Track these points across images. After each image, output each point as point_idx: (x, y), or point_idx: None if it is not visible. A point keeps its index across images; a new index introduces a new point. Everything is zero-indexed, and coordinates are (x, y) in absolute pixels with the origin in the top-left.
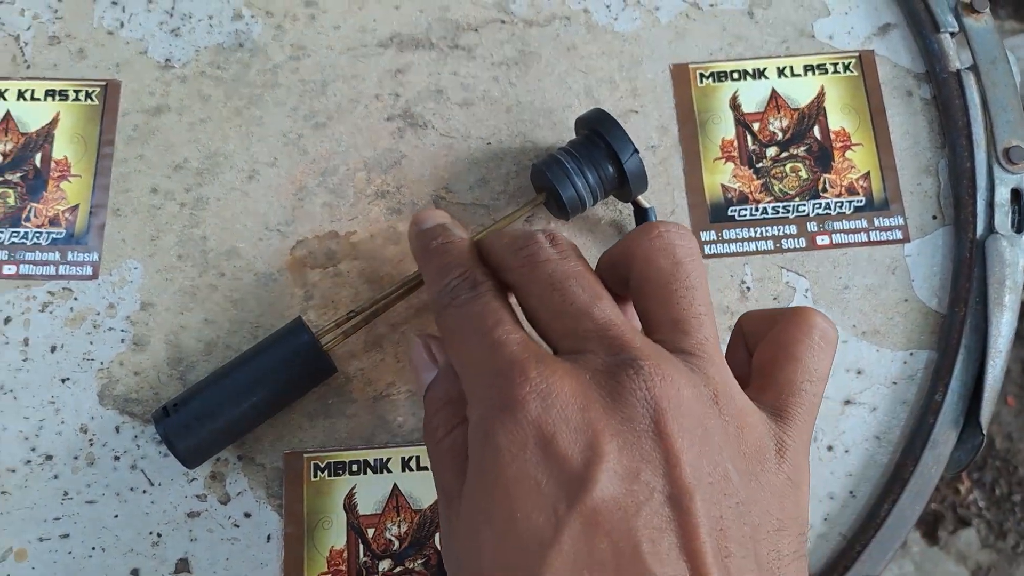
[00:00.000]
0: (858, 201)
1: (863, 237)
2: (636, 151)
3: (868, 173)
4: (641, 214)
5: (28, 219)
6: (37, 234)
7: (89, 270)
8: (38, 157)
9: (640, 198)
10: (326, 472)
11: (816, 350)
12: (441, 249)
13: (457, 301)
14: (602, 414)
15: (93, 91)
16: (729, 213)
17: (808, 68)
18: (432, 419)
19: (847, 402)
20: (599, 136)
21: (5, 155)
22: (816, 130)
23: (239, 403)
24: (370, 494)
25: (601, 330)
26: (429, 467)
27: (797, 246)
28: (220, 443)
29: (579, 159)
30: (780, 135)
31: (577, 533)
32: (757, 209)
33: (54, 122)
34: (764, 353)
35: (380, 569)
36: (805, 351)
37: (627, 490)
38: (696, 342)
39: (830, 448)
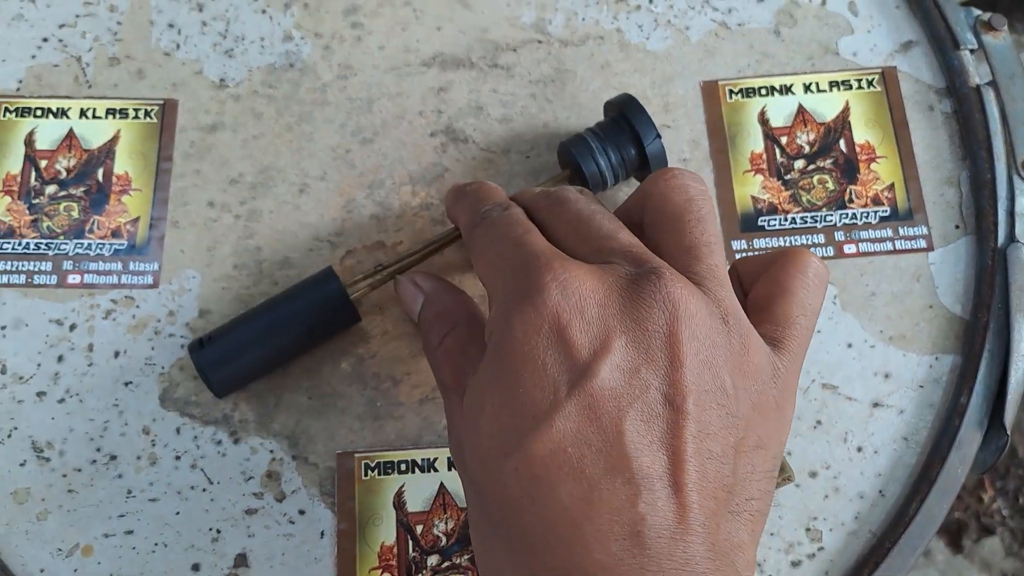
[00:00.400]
0: (883, 211)
1: (888, 246)
2: (658, 135)
3: (892, 184)
4: None
5: (92, 231)
6: (100, 245)
7: (150, 279)
8: (100, 172)
9: None
10: (376, 471)
11: (810, 286)
12: (474, 189)
13: (488, 220)
14: (617, 312)
15: (152, 109)
16: (759, 223)
17: (833, 84)
18: (428, 333)
19: (876, 405)
20: (624, 119)
21: (69, 170)
22: (842, 143)
23: (268, 342)
24: (418, 492)
25: (625, 248)
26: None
27: (825, 255)
28: (248, 377)
29: (603, 139)
30: (807, 148)
31: (570, 414)
32: (786, 219)
33: (115, 139)
34: (760, 290)
35: (428, 564)
36: (800, 287)
37: (626, 383)
38: (706, 267)
39: (860, 449)
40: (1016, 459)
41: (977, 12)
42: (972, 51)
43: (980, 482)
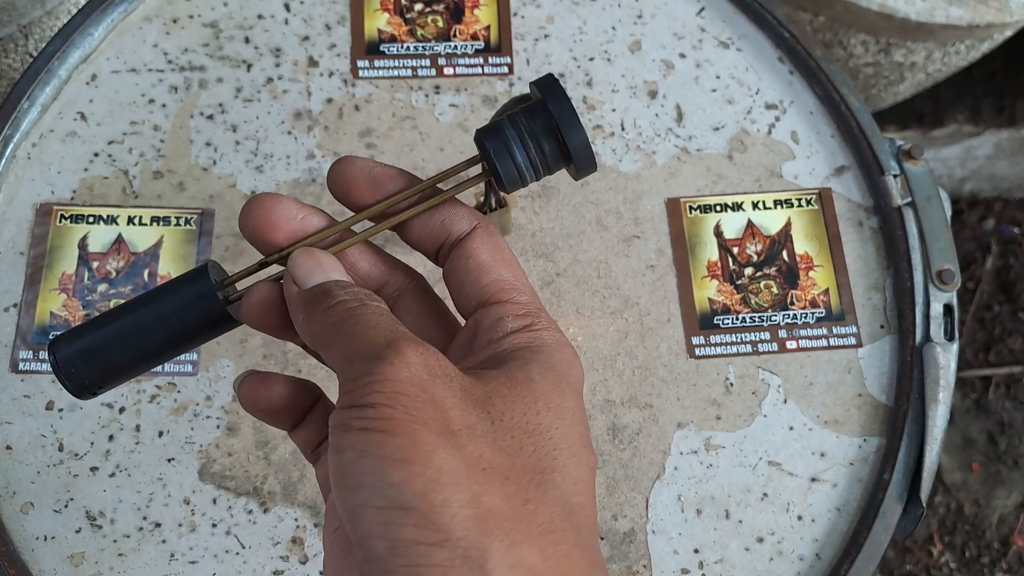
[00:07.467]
0: (819, 313)
1: (824, 342)
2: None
3: (827, 289)
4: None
5: None
6: None
7: (190, 368)
8: (146, 272)
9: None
10: None
11: None
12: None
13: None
14: None
15: (191, 217)
16: (715, 321)
17: (778, 202)
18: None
19: (813, 479)
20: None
21: (118, 271)
22: (784, 254)
23: (128, 347)
24: None
25: None
26: None
27: (770, 350)
28: (109, 378)
29: (522, 130)
30: (755, 257)
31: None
32: (737, 319)
33: (159, 243)
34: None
35: None
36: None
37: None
38: None
39: (800, 518)
40: (963, 516)
41: (900, 142)
42: (895, 176)
43: (930, 537)
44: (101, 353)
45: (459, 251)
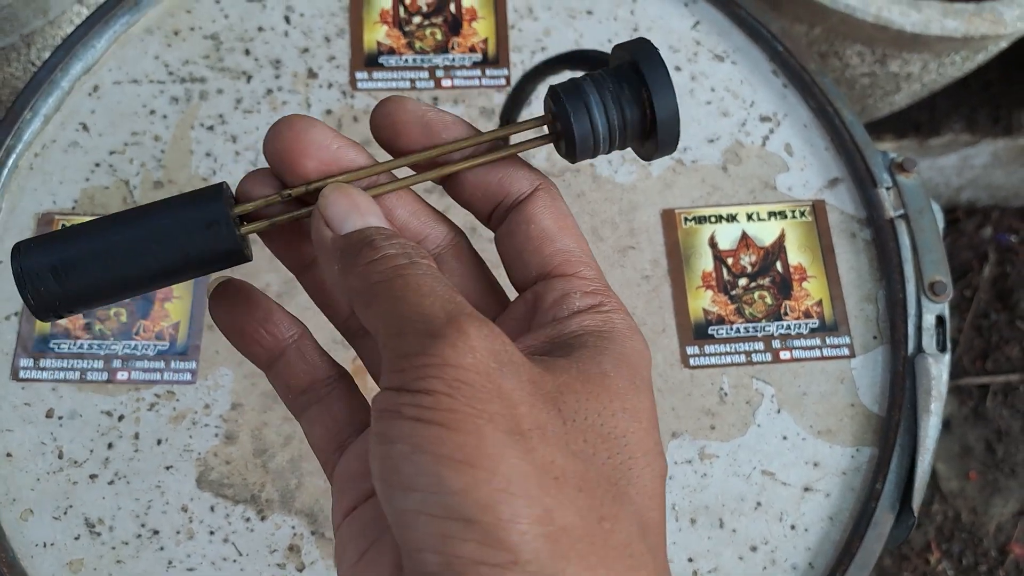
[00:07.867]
0: (813, 323)
1: (817, 353)
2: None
3: (821, 301)
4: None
5: (137, 333)
6: (145, 346)
7: (189, 376)
8: None
9: None
10: None
11: None
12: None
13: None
14: None
15: None
16: (709, 332)
17: (772, 214)
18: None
19: (806, 489)
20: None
21: None
22: (778, 265)
23: (110, 270)
24: None
25: None
26: None
27: (764, 360)
28: (78, 306)
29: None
30: (749, 268)
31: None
32: (732, 329)
33: None
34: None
35: None
36: None
37: None
38: None
39: (793, 527)
40: (960, 524)
41: (892, 155)
42: (888, 189)
43: (927, 545)
44: (76, 272)
45: (518, 215)
